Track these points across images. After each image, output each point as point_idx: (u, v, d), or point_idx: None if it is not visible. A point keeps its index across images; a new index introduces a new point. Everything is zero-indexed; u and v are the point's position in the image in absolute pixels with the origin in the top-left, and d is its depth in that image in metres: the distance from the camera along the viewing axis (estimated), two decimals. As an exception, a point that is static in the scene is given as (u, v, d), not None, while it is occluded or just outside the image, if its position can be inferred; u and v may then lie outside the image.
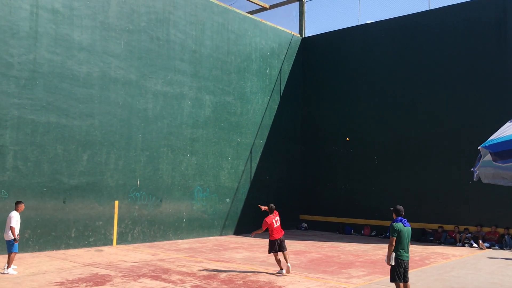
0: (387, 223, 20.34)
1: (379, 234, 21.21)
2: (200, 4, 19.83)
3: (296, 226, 23.81)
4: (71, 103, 15.52)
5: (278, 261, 11.95)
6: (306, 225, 23.62)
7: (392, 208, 8.86)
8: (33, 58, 14.73)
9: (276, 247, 11.95)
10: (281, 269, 11.90)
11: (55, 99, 15.15)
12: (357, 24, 23.34)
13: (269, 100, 22.82)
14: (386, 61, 21.92)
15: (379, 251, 16.41)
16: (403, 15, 21.79)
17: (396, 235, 8.43)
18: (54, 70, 15.17)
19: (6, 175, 14.01)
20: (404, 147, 21.00)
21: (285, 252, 12.04)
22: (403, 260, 8.54)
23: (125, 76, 17.03)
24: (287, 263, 11.97)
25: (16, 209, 11.66)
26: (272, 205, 12.60)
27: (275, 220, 12.16)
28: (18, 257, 13.40)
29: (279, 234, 12.05)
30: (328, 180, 23.36)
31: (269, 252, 12.16)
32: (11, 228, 11.29)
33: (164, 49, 18.35)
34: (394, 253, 8.43)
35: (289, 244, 17.66)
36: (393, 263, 8.44)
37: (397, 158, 21.18)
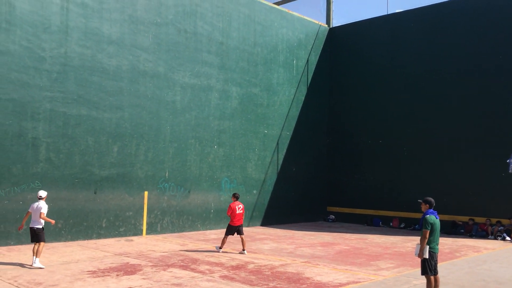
0: (416, 215, 20.08)
1: (408, 226, 20.95)
2: (227, -4, 19.84)
3: (323, 218, 23.74)
4: (101, 96, 15.79)
5: (223, 242, 13.59)
6: (333, 217, 23.53)
7: (422, 200, 8.73)
8: (64, 52, 15.02)
9: (233, 232, 13.54)
10: (220, 247, 13.64)
11: (85, 92, 15.44)
12: (386, 14, 22.95)
13: (295, 91, 22.72)
14: (415, 50, 21.51)
15: (408, 243, 16.22)
16: (433, 3, 21.31)
17: (430, 227, 8.30)
18: (84, 63, 15.45)
19: (40, 167, 14.39)
20: (434, 138, 20.63)
21: (242, 236, 13.52)
22: (435, 253, 8.43)
23: (153, 68, 17.21)
24: (243, 248, 13.42)
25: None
26: (236, 193, 14.16)
27: (238, 207, 13.55)
28: (52, 246, 13.80)
29: (239, 221, 13.56)
30: (355, 171, 23.17)
31: (225, 235, 13.64)
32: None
33: (191, 41, 18.45)
34: (427, 246, 8.32)
35: (317, 236, 17.66)
36: (427, 256, 8.32)
37: (426, 149, 20.83)
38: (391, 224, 21.55)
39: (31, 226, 11.08)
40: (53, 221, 11.37)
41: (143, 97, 16.89)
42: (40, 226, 11.09)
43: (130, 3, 16.63)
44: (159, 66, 17.38)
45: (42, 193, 11.35)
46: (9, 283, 9.38)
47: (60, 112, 14.87)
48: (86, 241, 15.01)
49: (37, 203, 11.18)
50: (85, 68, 15.46)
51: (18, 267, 10.92)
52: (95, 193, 15.56)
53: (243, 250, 13.45)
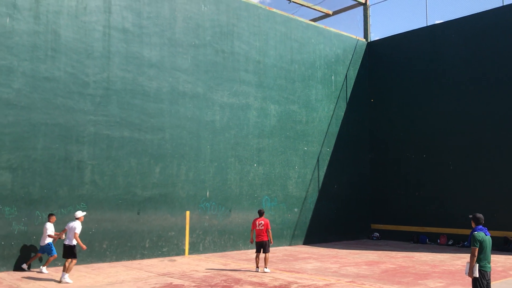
0: (465, 231, 19.32)
1: (456, 243, 20.16)
2: (263, 15, 20.01)
3: (367, 236, 23.20)
4: (143, 118, 16.12)
5: (256, 261, 13.50)
6: (378, 234, 22.95)
7: (471, 216, 8.37)
8: (106, 76, 15.48)
9: (259, 249, 13.48)
10: (257, 267, 13.50)
11: (128, 114, 15.81)
12: (425, 25, 22.53)
13: (335, 107, 22.52)
14: (458, 61, 20.96)
15: (457, 261, 15.58)
16: (475, 13, 20.77)
17: (478, 245, 7.93)
18: (126, 87, 15.85)
19: (85, 189, 14.75)
20: (481, 150, 19.90)
21: (265, 254, 13.41)
22: (486, 272, 8.02)
23: (192, 89, 17.47)
24: (265, 265, 13.48)
25: (49, 220, 13.31)
26: (261, 209, 13.99)
27: (259, 223, 13.53)
28: (97, 266, 14.04)
29: (260, 237, 13.43)
30: (399, 187, 22.59)
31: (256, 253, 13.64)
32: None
33: (229, 61, 18.66)
34: (477, 264, 7.94)
35: (361, 254, 17.24)
36: (477, 275, 7.94)
37: (473, 162, 20.10)
38: (438, 241, 20.80)
39: (65, 243, 12.07)
40: (84, 247, 12.12)
41: (183, 117, 17.14)
42: (73, 244, 11.94)
43: (168, 27, 17.02)
44: (198, 86, 17.63)
45: (78, 214, 12.21)
46: (57, 304, 9.54)
47: (104, 135, 15.27)
48: (130, 262, 15.20)
49: (73, 223, 12.07)
50: (127, 92, 15.86)
51: (67, 287, 11.14)
52: (138, 213, 15.79)
53: (265, 267, 13.41)
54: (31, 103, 13.96)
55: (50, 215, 13.49)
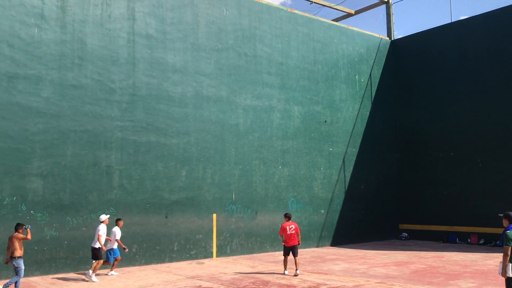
0: (497, 230, 18.90)
1: (488, 243, 19.74)
2: (285, 17, 20.02)
3: (395, 236, 22.91)
4: (168, 123, 16.31)
5: (284, 263, 13.50)
6: (406, 234, 22.64)
7: (502, 215, 8.20)
8: (132, 82, 15.72)
9: (289, 253, 13.40)
10: (285, 269, 13.47)
11: (153, 119, 16.02)
12: (450, 22, 22.18)
13: (359, 107, 22.34)
14: (485, 57, 20.55)
15: (490, 260, 15.25)
16: (501, 7, 20.34)
17: (511, 244, 7.76)
18: (151, 92, 16.07)
19: (114, 193, 15.00)
20: (510, 147, 19.44)
21: (296, 258, 13.24)
22: (520, 271, 7.83)
23: (216, 93, 17.59)
24: (296, 268, 13.18)
25: (116, 225, 13.52)
26: (287, 213, 14.00)
27: (289, 227, 13.34)
28: (127, 270, 14.25)
29: (292, 242, 13.28)
30: (427, 186, 22.24)
31: (284, 257, 13.57)
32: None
33: (251, 64, 18.72)
34: (510, 264, 7.76)
35: (390, 255, 17.05)
36: (511, 275, 7.76)
37: (503, 159, 19.64)
38: (469, 240, 20.40)
39: (91, 245, 13.04)
40: (104, 248, 12.88)
41: (208, 121, 17.27)
42: (97, 246, 12.84)
43: (191, 32, 17.18)
44: (221, 90, 17.75)
45: (102, 217, 13.20)
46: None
47: (131, 140, 15.50)
48: (159, 265, 15.38)
49: (98, 226, 13.04)
50: (152, 97, 16.07)
51: (97, 291, 11.35)
52: (166, 217, 15.96)
53: (296, 270, 13.12)
54: (60, 111, 14.28)
55: (118, 220, 13.83)
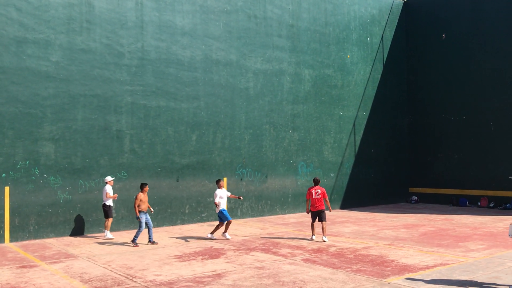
0: (507, 193, 18.88)
1: (498, 206, 19.75)
2: (295, -23, 19.55)
3: (405, 200, 23.00)
4: (178, 87, 16.25)
5: (312, 228, 13.24)
6: (416, 197, 22.72)
7: (514, 177, 8.15)
8: (141, 46, 15.59)
9: (315, 218, 13.04)
10: (313, 234, 13.19)
11: (163, 84, 15.96)
12: (465, -19, 21.51)
13: (371, 70, 22.03)
14: (501, 17, 20.00)
15: (500, 223, 15.29)
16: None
17: (521, 205, 7.74)
18: (160, 56, 15.95)
19: (125, 157, 15.13)
20: (525, 110, 19.17)
21: (323, 222, 12.89)
22: (530, 232, 7.85)
23: (225, 57, 17.41)
24: (323, 234, 12.84)
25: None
26: (316, 177, 13.55)
27: (315, 191, 13.02)
28: (132, 233, 14.49)
29: (318, 207, 12.92)
30: (439, 150, 22.14)
31: (311, 222, 13.24)
32: None
33: (261, 26, 18.43)
34: (521, 225, 7.77)
35: (399, 218, 17.15)
36: (521, 236, 7.79)
37: (516, 123, 19.41)
38: (479, 203, 20.42)
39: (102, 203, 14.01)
40: (115, 196, 13.72)
41: (217, 85, 17.17)
42: (107, 203, 13.66)
43: (200, -6, 16.87)
44: (231, 54, 17.56)
45: (106, 178, 13.88)
46: (104, 267, 9.98)
47: (141, 104, 15.50)
48: (171, 227, 15.63)
49: (104, 187, 13.88)
50: (161, 61, 15.96)
51: (112, 251, 11.60)
52: (177, 180, 16.12)
53: (323, 236, 12.71)
54: (69, 75, 14.27)
55: (218, 181, 13.67)
